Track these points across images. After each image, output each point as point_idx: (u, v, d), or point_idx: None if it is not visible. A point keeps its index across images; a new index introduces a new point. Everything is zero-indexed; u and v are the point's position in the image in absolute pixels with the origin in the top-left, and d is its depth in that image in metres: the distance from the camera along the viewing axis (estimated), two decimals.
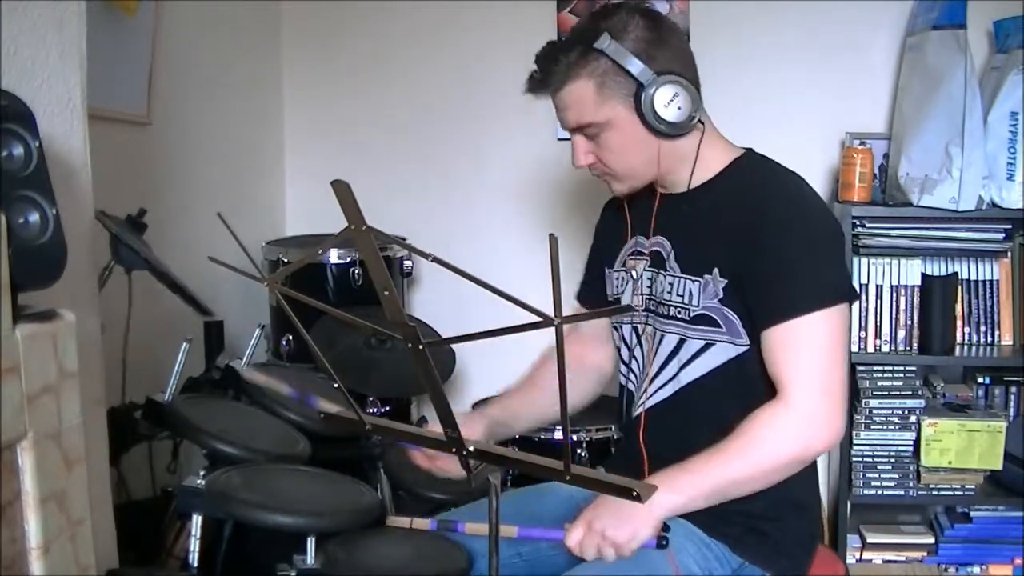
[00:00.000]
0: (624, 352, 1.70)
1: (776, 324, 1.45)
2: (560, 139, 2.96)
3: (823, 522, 2.40)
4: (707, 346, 1.53)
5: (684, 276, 1.56)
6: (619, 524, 1.40)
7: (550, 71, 1.50)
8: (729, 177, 1.56)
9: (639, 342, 1.65)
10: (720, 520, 1.50)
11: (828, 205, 2.57)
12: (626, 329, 1.69)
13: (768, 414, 1.44)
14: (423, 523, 1.48)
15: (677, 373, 1.57)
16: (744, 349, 1.50)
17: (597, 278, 1.79)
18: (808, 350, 1.44)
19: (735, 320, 1.50)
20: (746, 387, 1.50)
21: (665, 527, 1.43)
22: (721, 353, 1.52)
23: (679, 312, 1.56)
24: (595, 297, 1.79)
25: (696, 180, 1.56)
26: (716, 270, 1.51)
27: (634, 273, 1.66)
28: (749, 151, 1.60)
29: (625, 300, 1.68)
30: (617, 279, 1.72)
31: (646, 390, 1.63)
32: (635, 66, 1.46)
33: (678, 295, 1.56)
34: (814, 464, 1.58)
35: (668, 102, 1.47)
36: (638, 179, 1.58)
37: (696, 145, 1.54)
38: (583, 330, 1.82)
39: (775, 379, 1.46)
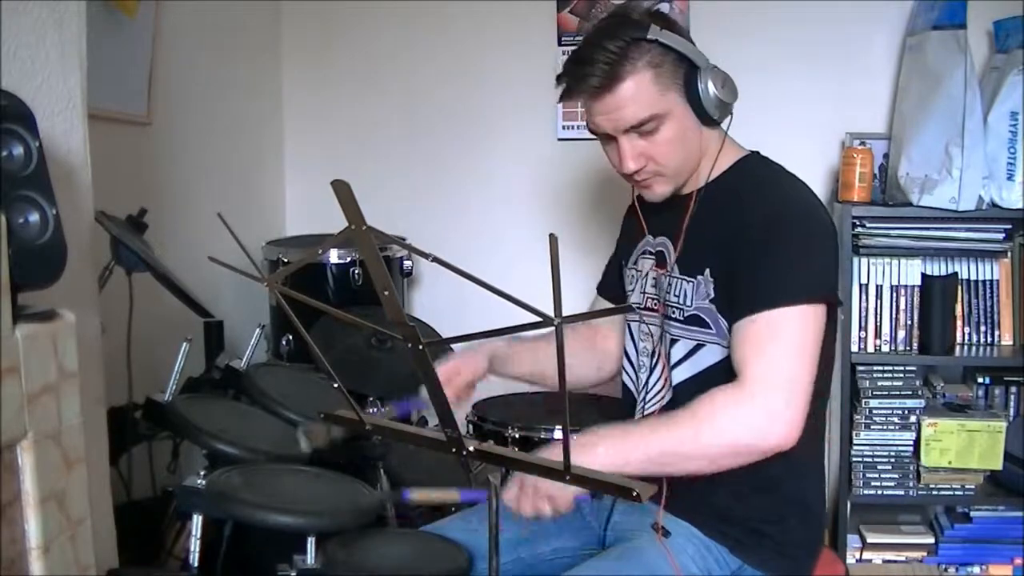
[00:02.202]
0: (630, 351, 1.70)
1: (749, 315, 1.42)
2: (560, 139, 2.96)
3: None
4: (698, 347, 1.53)
5: (681, 277, 1.56)
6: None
7: (603, 71, 1.44)
8: (731, 178, 1.56)
9: (641, 342, 1.66)
10: (720, 521, 1.50)
11: (828, 205, 2.60)
12: (633, 328, 1.69)
13: (724, 395, 1.39)
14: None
15: (670, 374, 1.57)
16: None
17: (617, 272, 1.80)
18: (778, 344, 1.40)
19: (722, 322, 1.49)
20: None
21: (665, 532, 1.42)
22: (711, 355, 1.52)
23: (675, 312, 1.56)
24: (613, 289, 1.80)
25: (703, 180, 1.57)
26: (708, 271, 1.51)
27: (641, 272, 1.67)
28: (755, 153, 1.61)
29: (633, 299, 1.69)
30: (629, 277, 1.73)
31: (647, 391, 1.63)
32: (691, 51, 1.47)
33: (675, 295, 1.56)
34: (820, 467, 1.58)
35: (722, 84, 1.49)
36: (683, 175, 1.56)
37: (717, 139, 1.56)
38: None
39: (738, 366, 1.42)
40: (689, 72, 1.48)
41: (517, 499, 1.41)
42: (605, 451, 1.38)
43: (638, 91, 1.46)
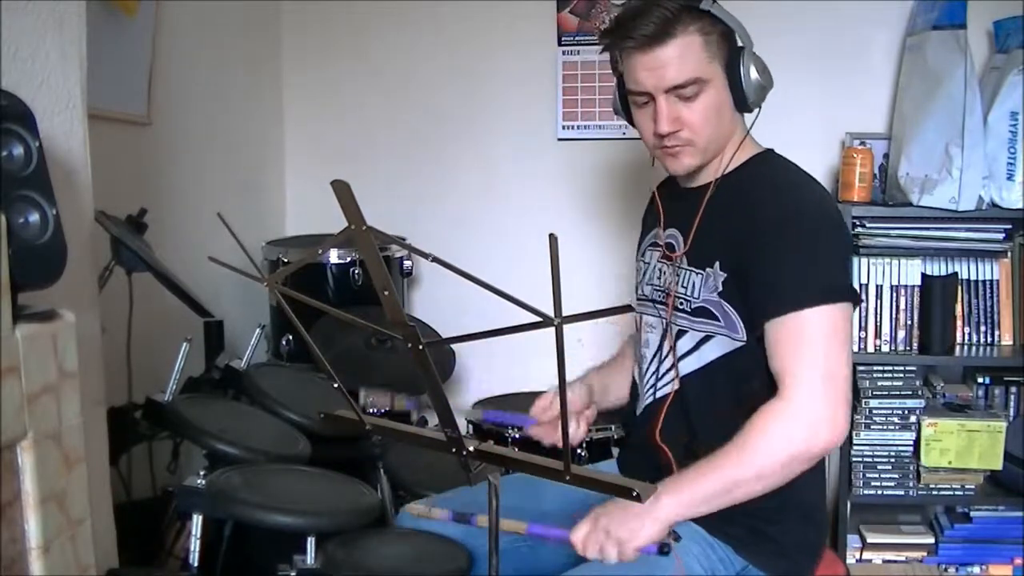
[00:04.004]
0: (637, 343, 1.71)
1: (780, 316, 1.44)
2: (560, 139, 2.96)
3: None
4: (706, 339, 1.54)
5: (690, 268, 1.57)
6: (623, 521, 1.39)
7: (657, 23, 1.45)
8: (748, 172, 1.57)
9: (646, 333, 1.66)
10: (724, 521, 1.49)
11: None
12: (638, 319, 1.70)
13: (770, 413, 1.42)
14: (441, 512, 1.48)
15: (677, 364, 1.57)
16: (741, 344, 1.50)
17: None
18: (813, 344, 1.43)
19: (732, 314, 1.50)
20: (742, 381, 1.50)
21: (676, 536, 1.42)
22: (718, 347, 1.53)
23: (682, 304, 1.57)
24: None
25: (721, 171, 1.57)
26: (717, 264, 1.51)
27: (648, 263, 1.68)
28: (769, 151, 1.62)
29: (641, 290, 1.69)
30: (638, 268, 1.73)
31: (654, 382, 1.63)
32: (739, 29, 1.49)
33: (683, 287, 1.57)
34: (821, 467, 1.58)
35: (763, 70, 1.51)
36: (710, 152, 1.56)
37: (741, 129, 1.57)
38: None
39: (777, 374, 1.45)
40: (732, 52, 1.50)
41: (585, 537, 1.40)
42: (668, 501, 1.39)
43: (687, 50, 1.47)
